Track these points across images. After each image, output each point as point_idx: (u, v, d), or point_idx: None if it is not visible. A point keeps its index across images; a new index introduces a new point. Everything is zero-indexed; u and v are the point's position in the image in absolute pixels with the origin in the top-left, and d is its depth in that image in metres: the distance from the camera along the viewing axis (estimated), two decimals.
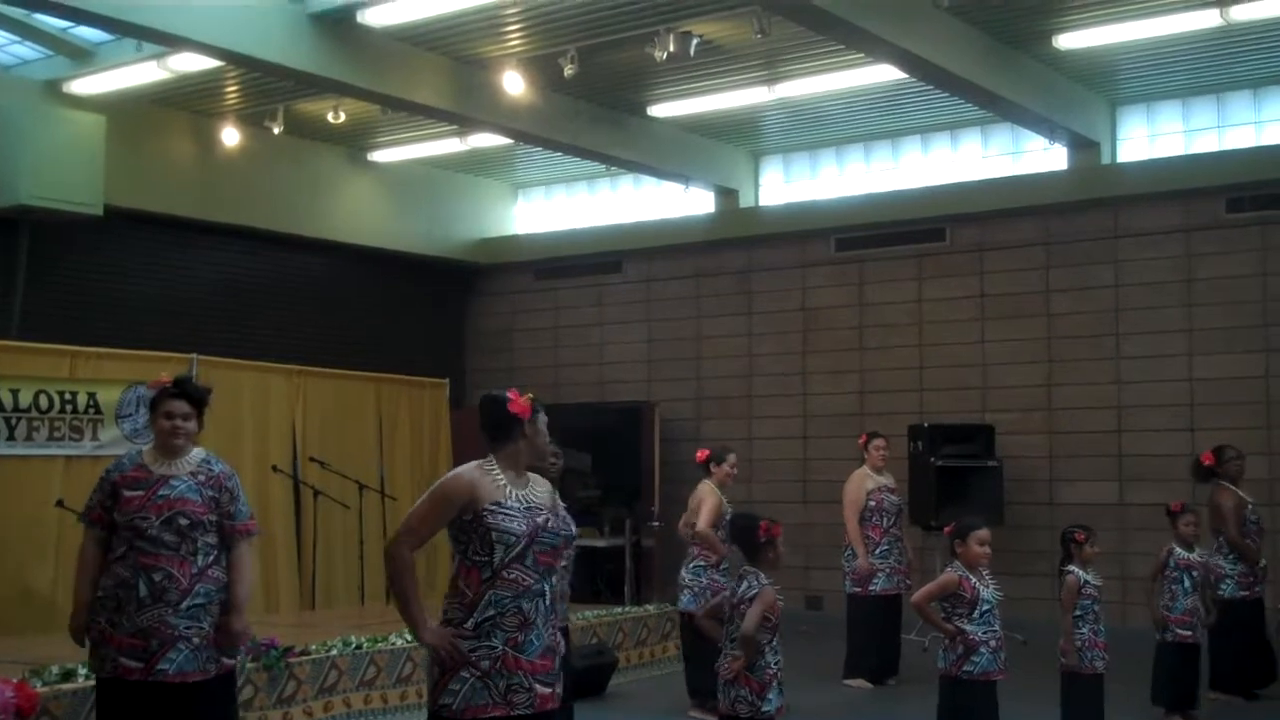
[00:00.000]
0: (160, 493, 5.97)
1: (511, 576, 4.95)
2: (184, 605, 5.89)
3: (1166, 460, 13.55)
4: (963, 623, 7.03)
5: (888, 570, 10.94)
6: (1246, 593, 10.05)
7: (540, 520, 5.06)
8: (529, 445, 5.17)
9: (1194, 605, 9.20)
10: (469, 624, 4.92)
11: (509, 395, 5.16)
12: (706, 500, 9.74)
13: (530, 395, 5.21)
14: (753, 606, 6.36)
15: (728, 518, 9.56)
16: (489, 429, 5.18)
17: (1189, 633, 9.14)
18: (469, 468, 5.11)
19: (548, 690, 5.03)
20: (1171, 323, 13.91)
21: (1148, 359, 13.98)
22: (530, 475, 5.22)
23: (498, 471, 5.08)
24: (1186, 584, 9.15)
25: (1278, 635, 10.49)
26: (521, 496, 5.07)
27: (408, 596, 5.01)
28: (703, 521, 9.67)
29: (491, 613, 4.92)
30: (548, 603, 5.07)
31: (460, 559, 5.02)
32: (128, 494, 5.94)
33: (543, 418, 5.23)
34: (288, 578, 12.21)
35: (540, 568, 5.02)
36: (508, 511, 4.99)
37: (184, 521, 5.95)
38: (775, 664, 6.36)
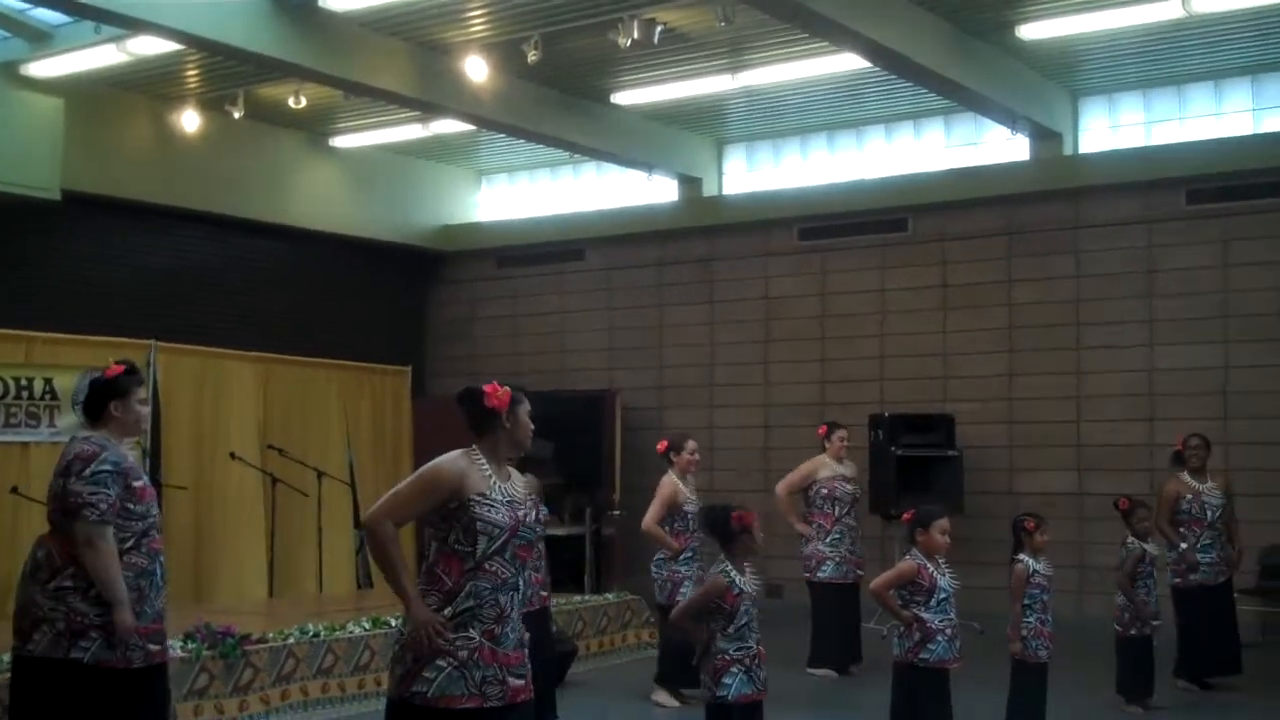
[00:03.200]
0: (146, 479, 6.09)
1: (492, 568, 4.94)
2: None
3: (1125, 450, 13.65)
4: (920, 610, 7.05)
5: (837, 559, 10.98)
6: (1179, 580, 10.29)
7: (520, 514, 5.05)
8: (508, 437, 5.14)
9: (1156, 595, 9.37)
10: (447, 612, 4.89)
11: (485, 389, 5.12)
12: (658, 494, 9.77)
13: (510, 386, 5.18)
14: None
15: (686, 508, 9.59)
16: (469, 421, 5.16)
17: (1158, 624, 9.37)
18: (458, 455, 5.07)
19: (520, 682, 5.02)
20: (1132, 313, 13.98)
21: (1108, 349, 14.05)
22: (509, 469, 5.20)
23: (484, 462, 5.07)
24: (1155, 577, 9.33)
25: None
26: (504, 489, 5.06)
27: (396, 567, 4.95)
28: (648, 517, 9.73)
29: (471, 604, 4.91)
30: (521, 596, 5.09)
31: (439, 546, 4.99)
32: (137, 484, 5.96)
33: (524, 408, 5.19)
34: (247, 565, 12.14)
35: (517, 562, 5.03)
36: (493, 503, 4.98)
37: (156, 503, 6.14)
38: (735, 651, 6.33)
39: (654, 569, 9.77)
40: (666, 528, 9.67)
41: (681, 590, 9.44)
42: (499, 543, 4.96)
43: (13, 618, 5.95)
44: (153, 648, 5.94)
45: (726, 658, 6.33)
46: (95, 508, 5.76)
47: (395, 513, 5.01)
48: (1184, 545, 10.22)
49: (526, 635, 5.16)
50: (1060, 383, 14.27)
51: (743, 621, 6.37)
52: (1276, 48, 13.07)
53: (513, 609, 5.02)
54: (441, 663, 4.85)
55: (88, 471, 5.80)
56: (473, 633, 4.89)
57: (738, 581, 6.38)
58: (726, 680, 6.31)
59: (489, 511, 4.96)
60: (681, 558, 9.57)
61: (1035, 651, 7.85)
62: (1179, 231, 13.87)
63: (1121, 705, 9.30)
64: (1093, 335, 14.16)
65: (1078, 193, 14.34)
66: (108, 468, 5.83)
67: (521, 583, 5.10)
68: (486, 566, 4.94)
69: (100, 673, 5.78)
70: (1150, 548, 9.31)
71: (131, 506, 5.89)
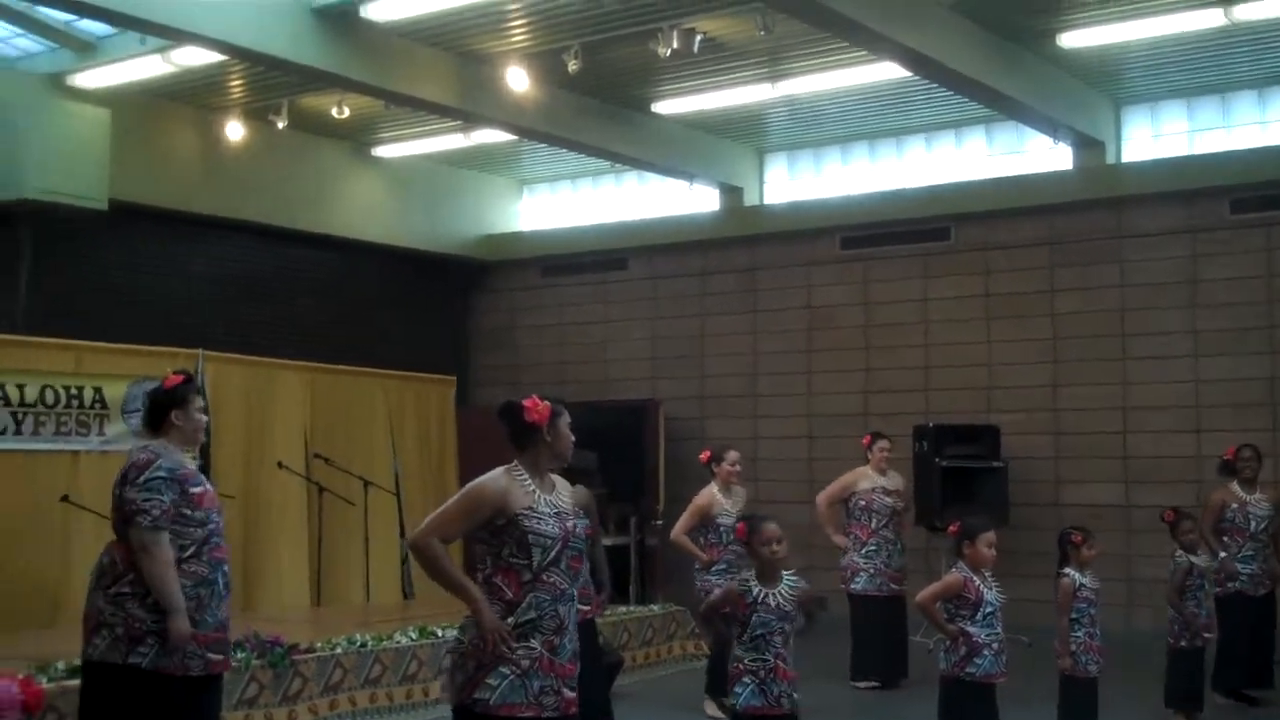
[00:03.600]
0: (209, 486, 6.13)
1: (550, 580, 5.02)
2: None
3: (1172, 462, 13.54)
4: (965, 624, 7.00)
5: (872, 571, 10.92)
6: (1219, 589, 10.19)
7: (569, 525, 5.12)
8: (549, 450, 5.20)
9: (1209, 607, 9.31)
10: (509, 622, 4.96)
11: (525, 404, 5.18)
12: (691, 504, 9.79)
13: (550, 399, 5.22)
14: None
15: (720, 520, 9.57)
16: (510, 435, 5.21)
17: (1210, 635, 9.28)
18: (499, 474, 5.13)
19: (572, 695, 5.10)
20: (1177, 324, 13.89)
21: (1153, 360, 13.96)
22: (554, 479, 5.26)
23: (526, 477, 5.13)
24: (1207, 588, 9.29)
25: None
26: (549, 501, 5.12)
27: (453, 576, 5.02)
28: (677, 527, 9.78)
29: (533, 615, 4.98)
30: (575, 607, 5.15)
31: (494, 561, 5.05)
32: (195, 490, 5.99)
33: (564, 420, 5.25)
34: (294, 575, 12.18)
35: (571, 573, 5.10)
36: (541, 515, 5.05)
37: (222, 512, 6.18)
38: (749, 660, 6.29)
39: (696, 578, 9.79)
40: (700, 539, 9.68)
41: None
42: (553, 554, 5.03)
43: (82, 622, 6.04)
44: (213, 656, 5.98)
45: (740, 666, 6.31)
46: (149, 514, 5.82)
47: (440, 530, 5.08)
48: (1224, 554, 10.15)
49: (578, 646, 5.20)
50: (1106, 393, 14.18)
51: (758, 632, 6.30)
52: None
53: (570, 620, 5.09)
54: (505, 670, 4.92)
55: (142, 479, 5.87)
56: (534, 643, 4.96)
57: (754, 591, 6.34)
58: (738, 689, 6.29)
59: (539, 524, 5.03)
60: (715, 569, 9.54)
61: (1085, 666, 7.80)
62: (1224, 241, 13.77)
63: (1170, 717, 9.23)
64: (1138, 346, 14.06)
65: (1121, 202, 14.26)
66: (162, 474, 5.90)
67: (576, 593, 5.16)
68: (544, 578, 5.00)
69: (159, 679, 5.84)
70: (1199, 560, 9.23)
71: (189, 513, 5.93)
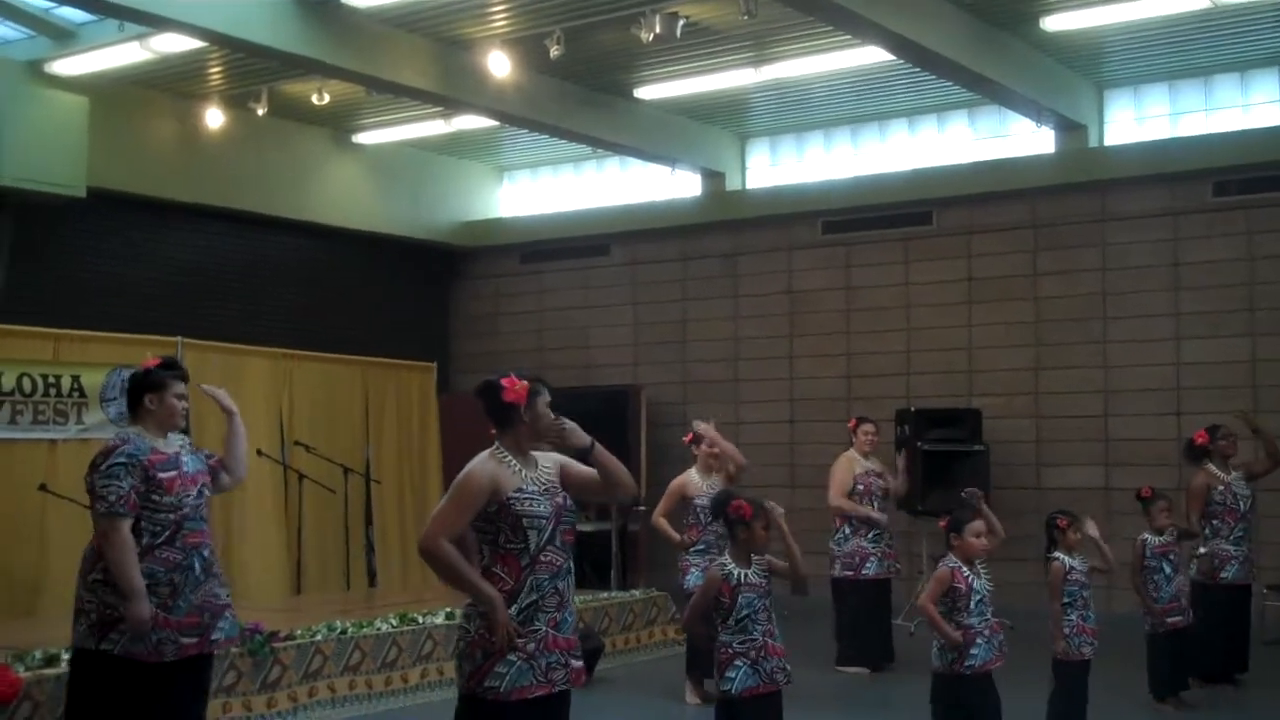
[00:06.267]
0: (185, 470, 6.07)
1: (547, 559, 5.07)
2: (222, 574, 6.18)
3: (1153, 444, 13.55)
4: (961, 617, 6.97)
5: (879, 555, 10.91)
6: (1201, 576, 10.05)
7: (559, 500, 5.16)
8: (529, 429, 5.19)
9: (1178, 589, 9.21)
10: (512, 610, 4.99)
11: (503, 384, 5.17)
12: (669, 487, 9.79)
13: (530, 378, 5.21)
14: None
15: (697, 501, 9.55)
16: (489, 414, 5.21)
17: (1179, 618, 9.16)
18: (485, 459, 5.15)
19: (579, 664, 5.21)
20: (1158, 307, 13.90)
21: (1134, 343, 13.97)
22: (536, 455, 5.25)
23: (510, 458, 5.15)
24: (1167, 570, 9.15)
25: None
26: (535, 480, 5.14)
27: (468, 576, 5.01)
28: (656, 510, 9.78)
29: (534, 597, 5.03)
30: (572, 579, 5.22)
31: (491, 550, 5.09)
32: (164, 475, 5.95)
33: (543, 399, 5.23)
34: (273, 562, 12.14)
35: (566, 546, 5.16)
36: (531, 496, 5.08)
37: (206, 493, 6.15)
38: (738, 644, 6.29)
39: (679, 559, 9.79)
40: (681, 521, 9.69)
41: (686, 578, 9.47)
42: (548, 533, 5.07)
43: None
44: (186, 641, 5.94)
45: (730, 650, 6.30)
46: (105, 499, 5.83)
47: (446, 530, 5.05)
48: (1211, 542, 10.02)
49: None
50: (1087, 377, 14.19)
51: (744, 613, 6.32)
52: None
53: (569, 593, 5.16)
54: (512, 658, 4.98)
55: (104, 465, 5.90)
56: (538, 624, 5.03)
57: (735, 574, 6.34)
58: (730, 674, 6.28)
59: (530, 505, 5.06)
60: (694, 549, 9.55)
61: (1078, 649, 7.80)
62: (1205, 224, 13.78)
63: (1152, 704, 9.21)
64: (1119, 329, 14.07)
65: (1103, 185, 14.25)
66: (122, 460, 5.89)
67: (572, 565, 5.22)
68: (541, 558, 5.06)
69: (131, 665, 5.83)
70: (1162, 539, 9.15)
71: (157, 499, 5.91)
